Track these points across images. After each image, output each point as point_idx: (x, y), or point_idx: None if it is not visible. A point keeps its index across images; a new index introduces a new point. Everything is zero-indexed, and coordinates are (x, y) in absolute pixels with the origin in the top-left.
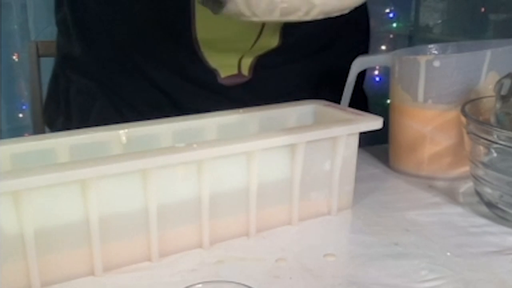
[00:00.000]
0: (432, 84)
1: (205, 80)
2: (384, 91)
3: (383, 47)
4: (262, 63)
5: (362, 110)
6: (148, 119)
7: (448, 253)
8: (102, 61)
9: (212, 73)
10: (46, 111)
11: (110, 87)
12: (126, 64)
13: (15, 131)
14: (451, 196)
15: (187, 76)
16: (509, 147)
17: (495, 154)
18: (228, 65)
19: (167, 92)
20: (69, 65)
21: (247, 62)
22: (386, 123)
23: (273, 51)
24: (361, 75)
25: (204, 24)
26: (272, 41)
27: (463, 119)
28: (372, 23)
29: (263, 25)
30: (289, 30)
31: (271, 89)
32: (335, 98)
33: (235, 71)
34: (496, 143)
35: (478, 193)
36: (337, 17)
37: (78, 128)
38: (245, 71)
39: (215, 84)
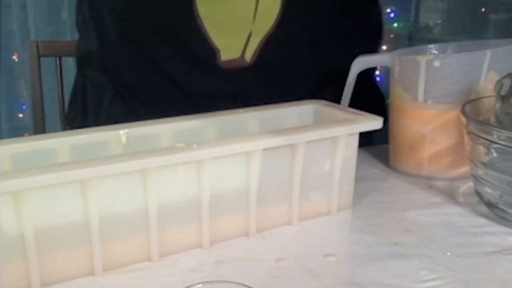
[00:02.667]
0: (432, 84)
1: (204, 59)
2: (384, 91)
3: (383, 47)
4: (268, 48)
5: (379, 110)
6: (153, 107)
7: (448, 253)
8: (112, 51)
9: (213, 52)
10: (68, 117)
11: (118, 78)
12: (132, 48)
13: (15, 131)
14: (451, 196)
15: (188, 55)
16: (509, 147)
17: (495, 154)
18: (232, 45)
19: (168, 73)
20: (86, 64)
21: (253, 45)
22: (386, 123)
23: (278, 28)
24: (369, 74)
25: (207, 9)
26: (274, 8)
27: (463, 119)
28: None
29: (257, 2)
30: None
31: (270, 83)
32: (337, 101)
33: (238, 55)
34: (496, 143)
35: (478, 193)
36: (347, 16)
37: (92, 123)
38: (248, 56)
39: (213, 65)
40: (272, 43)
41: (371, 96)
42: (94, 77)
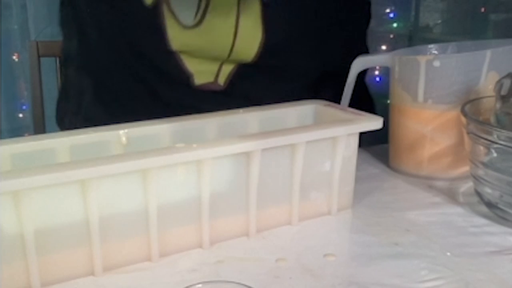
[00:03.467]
0: (432, 84)
1: (180, 81)
2: (384, 91)
3: (383, 47)
4: (241, 74)
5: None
6: (133, 112)
7: (448, 253)
8: (92, 53)
9: (187, 76)
10: (57, 118)
11: (98, 80)
12: (112, 53)
13: (15, 131)
14: (451, 196)
15: (165, 74)
16: (509, 147)
17: (495, 154)
18: (205, 71)
19: (146, 83)
20: (68, 64)
21: (226, 70)
22: (386, 123)
23: (253, 64)
24: (362, 76)
25: (177, 39)
26: (249, 51)
27: (463, 119)
28: (372, 23)
29: (235, 34)
30: (268, 46)
31: (243, 104)
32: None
33: (211, 79)
34: (496, 143)
35: (478, 193)
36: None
37: (72, 125)
38: (221, 80)
39: (189, 86)
40: (245, 70)
41: (360, 97)
42: (75, 78)
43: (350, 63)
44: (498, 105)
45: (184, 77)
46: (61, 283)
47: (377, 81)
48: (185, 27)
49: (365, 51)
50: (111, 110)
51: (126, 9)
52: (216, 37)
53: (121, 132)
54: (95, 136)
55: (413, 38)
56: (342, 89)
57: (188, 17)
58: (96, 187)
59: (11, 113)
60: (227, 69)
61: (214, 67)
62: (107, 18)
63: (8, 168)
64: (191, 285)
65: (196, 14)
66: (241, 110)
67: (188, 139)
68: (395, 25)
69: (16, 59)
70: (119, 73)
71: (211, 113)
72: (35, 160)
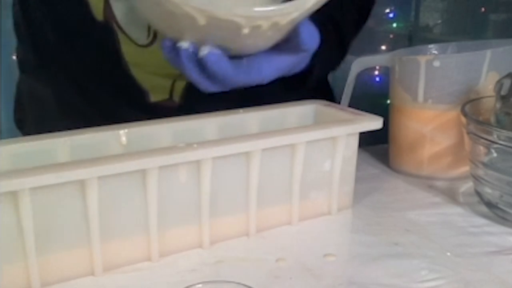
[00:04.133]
0: (432, 84)
1: (137, 99)
2: (384, 91)
3: (383, 47)
4: (195, 89)
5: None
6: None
7: (448, 253)
8: (48, 56)
9: (143, 93)
10: (18, 122)
11: (58, 86)
12: (70, 58)
13: (15, 131)
14: (451, 196)
15: (121, 93)
16: (509, 147)
17: (495, 154)
18: (160, 87)
19: (105, 106)
20: (24, 69)
21: (180, 86)
22: (386, 123)
23: None
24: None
25: (131, 55)
26: None
27: (463, 119)
28: (372, 23)
29: None
30: None
31: None
32: None
33: (167, 96)
34: (496, 143)
35: (478, 193)
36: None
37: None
38: (176, 97)
39: (146, 103)
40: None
41: (319, 90)
42: (32, 84)
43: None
44: (498, 105)
45: (140, 95)
46: (61, 283)
47: (377, 81)
48: (138, 45)
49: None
50: (74, 121)
51: (76, 25)
52: None
53: (121, 132)
54: (95, 136)
55: (413, 38)
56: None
57: (140, 37)
58: (96, 187)
59: (11, 113)
60: (180, 85)
61: (167, 83)
62: (55, 35)
63: (8, 168)
64: (191, 285)
65: (148, 34)
66: (241, 110)
67: (188, 139)
68: (395, 25)
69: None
70: (77, 80)
71: (211, 113)
72: (35, 160)
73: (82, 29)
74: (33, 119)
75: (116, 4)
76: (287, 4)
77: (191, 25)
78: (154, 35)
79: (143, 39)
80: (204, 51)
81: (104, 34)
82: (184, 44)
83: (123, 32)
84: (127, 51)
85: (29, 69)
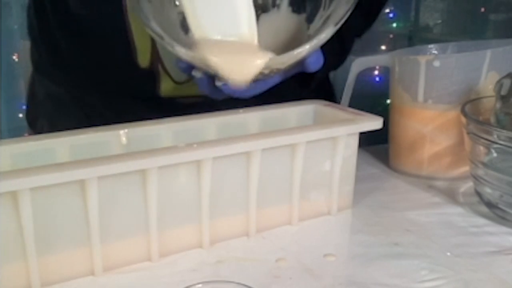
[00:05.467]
0: (432, 84)
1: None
2: (384, 91)
3: (383, 47)
4: None
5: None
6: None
7: (448, 253)
8: (62, 58)
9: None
10: (28, 120)
11: (72, 88)
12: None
13: (15, 131)
14: (451, 196)
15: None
16: (509, 147)
17: (495, 154)
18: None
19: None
20: (40, 70)
21: None
22: (386, 123)
23: None
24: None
25: (168, 91)
26: None
27: (463, 119)
28: None
29: None
30: None
31: None
32: None
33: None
34: (496, 143)
35: (478, 193)
36: None
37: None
38: None
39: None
40: None
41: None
42: (47, 85)
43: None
44: (498, 105)
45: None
46: (61, 283)
47: (377, 81)
48: (177, 82)
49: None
50: (90, 117)
51: (116, 69)
52: None
53: (121, 132)
54: (95, 136)
55: (413, 38)
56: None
57: (181, 74)
58: (96, 187)
59: (11, 113)
60: None
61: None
62: (90, 72)
63: (8, 168)
64: (191, 285)
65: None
66: (241, 110)
67: (188, 139)
68: (395, 25)
69: (16, 59)
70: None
71: (211, 113)
72: (35, 160)
73: (123, 74)
74: (48, 121)
75: (163, 50)
76: (285, 55)
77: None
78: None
79: (182, 78)
80: (219, 83)
81: (146, 79)
82: (218, 83)
83: (167, 73)
84: (165, 88)
85: (44, 71)
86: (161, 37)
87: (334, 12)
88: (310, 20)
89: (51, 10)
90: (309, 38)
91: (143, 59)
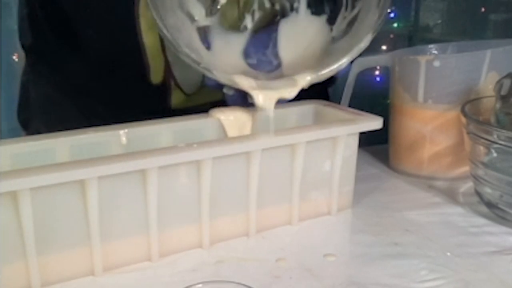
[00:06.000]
0: (432, 84)
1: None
2: (384, 91)
3: (383, 47)
4: None
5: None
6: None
7: (448, 253)
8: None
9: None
10: (20, 119)
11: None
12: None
13: (15, 131)
14: (451, 196)
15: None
16: (509, 147)
17: (495, 154)
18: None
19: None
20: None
21: None
22: (386, 123)
23: None
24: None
25: (179, 103)
26: None
27: (463, 119)
28: None
29: None
30: None
31: None
32: None
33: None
34: (496, 143)
35: (478, 193)
36: None
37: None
38: None
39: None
40: None
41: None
42: (47, 94)
43: None
44: (498, 105)
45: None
46: (61, 283)
47: (377, 81)
48: (188, 94)
49: None
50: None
51: (131, 90)
52: (214, 96)
53: (121, 132)
54: (95, 136)
55: (413, 38)
56: None
57: (192, 87)
58: (96, 187)
59: (11, 113)
60: None
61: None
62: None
63: (8, 168)
64: (191, 285)
65: (201, 85)
66: None
67: (188, 139)
68: (395, 25)
69: (16, 59)
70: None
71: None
72: (35, 160)
73: (134, 91)
74: (41, 119)
75: (175, 66)
76: (326, 71)
77: None
78: (201, 85)
79: (193, 90)
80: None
81: (157, 94)
82: (230, 92)
83: (178, 87)
84: (176, 101)
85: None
86: (197, 63)
87: (366, 17)
88: (331, 21)
89: (60, 34)
90: (334, 41)
91: (156, 77)
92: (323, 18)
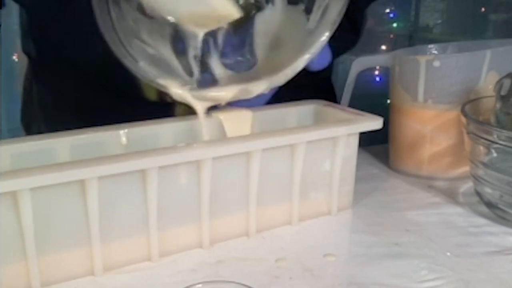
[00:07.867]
0: (432, 84)
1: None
2: (384, 91)
3: (383, 47)
4: None
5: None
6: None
7: (448, 253)
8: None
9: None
10: (24, 122)
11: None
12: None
13: (15, 131)
14: (451, 196)
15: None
16: (509, 147)
17: (495, 154)
18: None
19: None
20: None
21: None
22: (386, 123)
23: None
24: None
25: (182, 112)
26: None
27: (463, 119)
28: (372, 23)
29: None
30: None
31: None
32: None
33: None
34: (496, 143)
35: (478, 193)
36: None
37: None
38: None
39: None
40: None
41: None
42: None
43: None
44: (498, 105)
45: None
46: (61, 283)
47: (377, 81)
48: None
49: None
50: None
51: (130, 107)
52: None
53: (121, 132)
54: (95, 136)
55: (413, 38)
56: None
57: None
58: (96, 187)
59: (11, 113)
60: None
61: None
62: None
63: (8, 168)
64: (191, 285)
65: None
66: None
67: (188, 139)
68: (395, 25)
69: (16, 59)
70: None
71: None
72: (35, 160)
73: (134, 107)
74: (44, 124)
75: None
76: (281, 75)
77: None
78: None
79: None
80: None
81: (158, 109)
82: None
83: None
84: (180, 112)
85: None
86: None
87: (329, 9)
88: (308, 10)
89: (54, 60)
90: (309, 34)
91: (152, 94)
92: (300, 7)
